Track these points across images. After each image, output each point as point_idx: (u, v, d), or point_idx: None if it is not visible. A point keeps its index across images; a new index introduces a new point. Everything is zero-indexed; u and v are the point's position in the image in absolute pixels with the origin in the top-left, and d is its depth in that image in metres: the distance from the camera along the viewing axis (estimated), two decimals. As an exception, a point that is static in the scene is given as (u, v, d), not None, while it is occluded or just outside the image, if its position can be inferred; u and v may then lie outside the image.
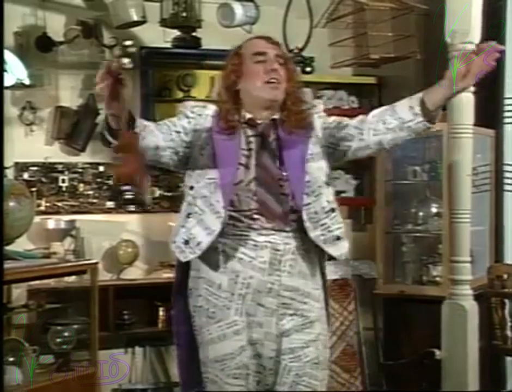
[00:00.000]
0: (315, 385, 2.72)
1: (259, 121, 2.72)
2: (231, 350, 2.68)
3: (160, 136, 2.69)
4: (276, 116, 2.73)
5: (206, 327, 2.72)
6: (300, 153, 2.68)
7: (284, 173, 2.65)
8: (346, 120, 2.76)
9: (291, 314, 2.68)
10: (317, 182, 2.68)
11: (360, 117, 2.74)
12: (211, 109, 2.78)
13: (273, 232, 2.64)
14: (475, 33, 3.83)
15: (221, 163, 2.65)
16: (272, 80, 2.68)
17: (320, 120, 2.78)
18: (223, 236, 2.65)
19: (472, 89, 3.85)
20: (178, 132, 2.72)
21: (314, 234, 2.65)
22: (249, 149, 2.68)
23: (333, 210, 2.70)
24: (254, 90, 2.70)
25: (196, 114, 2.76)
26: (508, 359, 4.80)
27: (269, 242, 2.64)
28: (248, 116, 2.72)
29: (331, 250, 2.69)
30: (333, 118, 2.81)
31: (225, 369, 2.69)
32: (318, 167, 2.69)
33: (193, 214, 2.67)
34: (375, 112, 2.74)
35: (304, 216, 2.64)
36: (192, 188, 2.70)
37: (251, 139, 2.70)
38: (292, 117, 2.72)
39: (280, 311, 2.66)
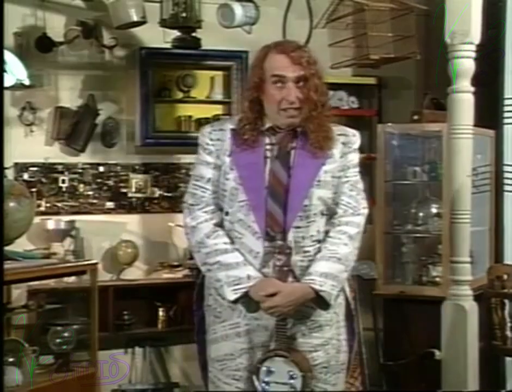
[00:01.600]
0: (325, 389, 2.72)
1: (279, 130, 2.70)
2: (231, 351, 2.68)
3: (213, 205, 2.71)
4: (297, 128, 2.69)
5: (212, 326, 2.75)
6: (310, 175, 2.66)
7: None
8: (344, 201, 2.71)
9: (298, 318, 2.67)
10: (314, 210, 2.66)
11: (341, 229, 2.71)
12: (229, 126, 2.74)
13: (274, 240, 2.63)
14: (475, 33, 3.82)
15: (249, 183, 2.65)
16: (288, 109, 2.64)
17: (341, 148, 2.72)
18: (232, 239, 2.68)
19: (472, 89, 3.86)
20: (209, 180, 2.72)
21: (293, 258, 2.63)
22: (265, 157, 2.68)
23: (319, 241, 2.68)
24: (271, 113, 2.68)
25: (215, 140, 2.73)
26: (508, 359, 4.80)
27: (268, 247, 2.63)
28: (269, 124, 2.70)
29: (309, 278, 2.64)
30: (351, 176, 2.74)
31: (224, 370, 2.70)
32: (319, 195, 2.67)
33: (234, 239, 2.67)
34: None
35: (290, 238, 2.63)
36: (227, 213, 2.70)
37: (269, 146, 2.69)
38: (314, 134, 2.67)
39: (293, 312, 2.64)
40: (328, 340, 2.71)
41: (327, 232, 2.70)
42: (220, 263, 2.63)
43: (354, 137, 2.78)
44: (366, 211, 2.77)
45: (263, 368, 2.62)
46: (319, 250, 2.67)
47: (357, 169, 2.77)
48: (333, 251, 2.65)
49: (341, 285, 2.68)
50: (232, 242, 2.67)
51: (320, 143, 2.67)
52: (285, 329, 2.62)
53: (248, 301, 2.63)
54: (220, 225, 2.71)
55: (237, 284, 2.60)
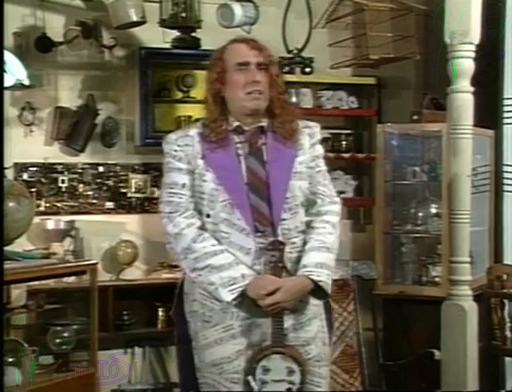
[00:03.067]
0: (318, 383, 2.75)
1: (246, 128, 2.74)
2: (227, 354, 2.67)
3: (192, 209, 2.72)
4: (264, 124, 2.75)
5: (201, 332, 2.72)
6: (286, 167, 2.71)
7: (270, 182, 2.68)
8: (320, 190, 2.80)
9: (288, 314, 2.68)
10: (295, 201, 2.72)
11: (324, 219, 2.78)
12: (194, 129, 2.77)
13: (263, 235, 2.66)
14: (475, 33, 3.82)
15: (228, 182, 2.67)
16: (253, 91, 2.69)
17: (309, 139, 2.81)
18: (218, 240, 2.67)
19: (472, 89, 3.86)
20: (183, 185, 2.72)
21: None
22: (238, 155, 2.71)
23: (302, 232, 2.74)
24: (237, 100, 2.72)
25: (183, 146, 2.74)
26: (507, 359, 4.80)
27: (261, 244, 2.65)
28: (236, 123, 2.74)
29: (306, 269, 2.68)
30: (322, 166, 2.84)
31: (222, 374, 2.69)
32: (298, 186, 2.72)
33: (221, 240, 2.67)
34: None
35: (278, 231, 2.66)
36: (208, 215, 2.70)
37: (239, 145, 2.72)
38: (278, 124, 2.74)
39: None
40: (316, 332, 2.76)
41: (307, 223, 2.76)
42: (211, 266, 2.62)
43: (317, 128, 2.87)
44: (339, 199, 2.86)
45: (260, 368, 2.61)
46: (304, 241, 2.72)
47: (323, 160, 2.87)
48: (321, 241, 2.71)
49: (332, 273, 2.72)
50: (219, 243, 2.67)
51: (288, 132, 2.73)
52: (281, 325, 2.63)
53: (241, 300, 2.63)
54: (202, 228, 2.70)
55: (233, 284, 2.60)
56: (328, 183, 2.84)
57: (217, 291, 2.62)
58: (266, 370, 2.63)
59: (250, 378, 2.62)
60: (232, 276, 2.61)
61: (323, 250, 2.69)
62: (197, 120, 4.81)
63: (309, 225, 2.76)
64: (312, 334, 2.74)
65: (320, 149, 2.85)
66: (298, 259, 2.70)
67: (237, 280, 2.61)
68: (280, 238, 2.65)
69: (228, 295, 2.60)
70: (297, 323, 2.71)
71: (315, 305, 2.76)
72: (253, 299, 2.63)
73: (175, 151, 2.74)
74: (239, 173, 2.69)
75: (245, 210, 2.64)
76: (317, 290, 2.67)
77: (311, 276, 2.63)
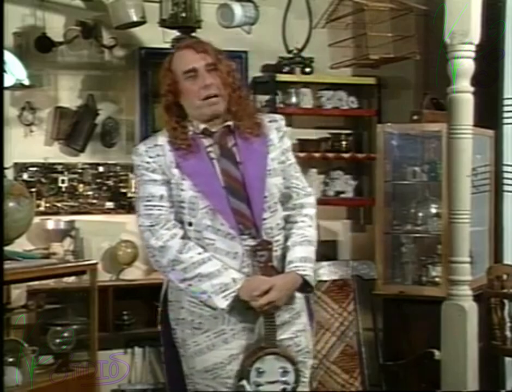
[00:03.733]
0: (306, 374, 2.76)
1: (214, 130, 2.69)
2: (220, 360, 2.65)
3: (173, 219, 2.68)
4: (230, 123, 2.70)
5: (191, 339, 2.69)
6: (260, 166, 2.68)
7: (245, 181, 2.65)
8: (293, 183, 2.78)
9: (280, 311, 2.67)
10: (274, 198, 2.70)
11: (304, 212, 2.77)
12: (162, 138, 2.70)
13: (248, 237, 2.63)
14: (475, 33, 3.82)
15: (206, 188, 2.63)
16: (208, 96, 2.64)
17: (276, 134, 2.76)
18: (203, 247, 2.64)
19: (472, 89, 3.86)
20: (161, 197, 2.67)
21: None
22: (211, 159, 2.66)
23: (283, 228, 2.73)
24: (194, 108, 2.67)
25: (155, 157, 2.68)
26: (507, 359, 4.80)
27: (248, 246, 2.62)
28: (202, 126, 2.68)
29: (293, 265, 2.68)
30: (292, 159, 2.80)
31: (216, 379, 2.66)
32: (274, 183, 2.70)
33: (206, 247, 2.64)
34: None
35: (262, 231, 2.64)
36: (190, 224, 2.65)
37: (210, 148, 2.68)
38: (243, 122, 2.69)
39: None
40: (305, 324, 2.77)
41: (285, 218, 2.75)
42: (201, 275, 2.59)
43: (282, 121, 2.82)
44: (312, 190, 2.85)
45: (253, 371, 2.59)
46: (286, 237, 2.72)
47: (292, 152, 2.84)
48: (302, 234, 2.71)
49: (314, 265, 2.73)
50: (205, 250, 2.63)
51: (252, 127, 2.70)
52: (273, 325, 2.62)
53: (235, 305, 2.60)
54: (185, 237, 2.66)
55: (225, 290, 2.58)
56: (300, 175, 2.82)
57: (210, 299, 2.59)
58: (260, 372, 2.60)
59: (244, 382, 2.59)
60: (223, 282, 2.58)
61: (305, 243, 2.70)
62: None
63: (287, 220, 2.75)
64: (302, 326, 2.75)
65: (287, 142, 2.81)
66: (283, 257, 2.69)
67: (228, 285, 2.58)
68: (266, 238, 2.63)
69: (222, 302, 2.58)
70: (289, 317, 2.71)
71: (301, 299, 2.77)
72: (244, 302, 2.60)
73: (147, 162, 2.68)
74: (216, 178, 2.64)
75: (227, 215, 2.61)
76: (303, 284, 2.68)
77: (298, 272, 2.65)
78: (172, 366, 2.81)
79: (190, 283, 2.62)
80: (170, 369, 2.86)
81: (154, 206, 2.68)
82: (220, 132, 2.69)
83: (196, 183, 2.63)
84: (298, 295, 2.74)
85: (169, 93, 2.69)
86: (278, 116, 2.85)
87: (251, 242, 2.62)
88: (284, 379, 2.62)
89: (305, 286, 2.69)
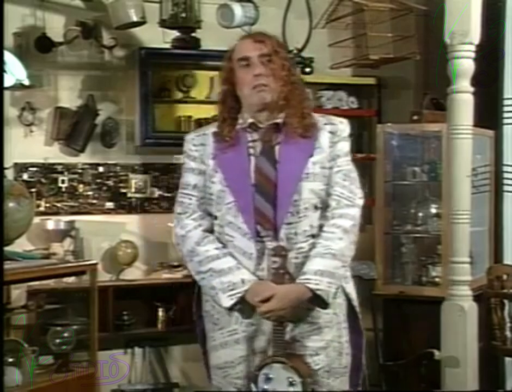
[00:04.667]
0: None
1: (261, 125, 2.65)
2: (231, 359, 2.64)
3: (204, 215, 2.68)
4: (279, 120, 2.64)
5: (211, 333, 2.70)
6: (297, 168, 2.59)
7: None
8: (337, 191, 2.64)
9: (296, 321, 2.60)
10: (305, 204, 2.59)
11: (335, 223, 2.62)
12: (211, 129, 2.71)
13: (267, 239, 2.58)
14: (475, 33, 3.82)
15: (235, 184, 2.60)
16: (257, 85, 2.60)
17: (329, 137, 2.66)
18: (223, 243, 2.63)
19: (472, 89, 3.86)
20: (194, 186, 2.68)
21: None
22: (249, 155, 2.63)
23: (313, 236, 2.60)
24: (245, 97, 2.65)
25: (198, 145, 2.69)
26: (507, 359, 4.80)
27: (266, 249, 2.58)
28: (250, 120, 2.65)
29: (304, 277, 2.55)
30: (343, 165, 2.67)
31: (226, 378, 2.66)
32: (310, 188, 2.60)
33: (226, 243, 2.62)
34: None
35: (281, 234, 2.57)
36: (216, 217, 2.65)
37: (252, 144, 2.64)
38: (292, 119, 2.63)
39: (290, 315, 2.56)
40: (329, 342, 2.64)
41: (321, 226, 2.61)
42: (213, 270, 2.58)
43: (342, 124, 2.70)
44: (361, 201, 2.68)
45: (262, 375, 2.55)
46: (313, 246, 2.59)
47: (349, 158, 2.70)
48: (327, 246, 2.56)
49: (339, 281, 2.59)
50: (224, 246, 2.62)
51: (301, 127, 2.62)
52: (282, 334, 2.54)
53: (243, 306, 2.57)
54: (210, 230, 2.66)
55: (232, 289, 2.55)
56: (350, 183, 2.65)
57: (217, 296, 2.58)
58: (268, 379, 2.55)
59: (252, 385, 2.57)
60: (231, 281, 2.55)
61: (327, 256, 2.55)
62: (197, 120, 4.89)
63: (320, 228, 2.61)
64: (322, 343, 2.62)
65: (343, 148, 2.67)
66: (304, 265, 2.58)
67: (236, 285, 2.55)
68: (282, 244, 2.55)
69: (227, 301, 2.55)
70: (305, 332, 2.61)
71: (330, 313, 2.64)
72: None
73: (190, 150, 2.70)
74: (247, 174, 2.59)
75: (248, 213, 2.56)
76: (317, 299, 2.54)
77: (308, 284, 2.51)
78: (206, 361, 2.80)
79: (204, 277, 2.61)
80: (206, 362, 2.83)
81: (187, 194, 2.69)
82: (266, 128, 2.65)
83: (226, 177, 2.61)
84: (324, 310, 2.60)
85: (226, 81, 2.69)
86: (338, 120, 2.72)
87: (266, 245, 2.57)
88: (291, 389, 2.54)
89: (318, 301, 2.55)
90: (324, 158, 2.63)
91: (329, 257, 2.55)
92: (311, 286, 2.52)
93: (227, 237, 2.62)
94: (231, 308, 2.58)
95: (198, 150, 2.69)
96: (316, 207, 2.62)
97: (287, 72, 2.64)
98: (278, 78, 2.62)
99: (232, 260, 2.59)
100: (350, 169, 2.70)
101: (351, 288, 2.76)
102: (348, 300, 2.74)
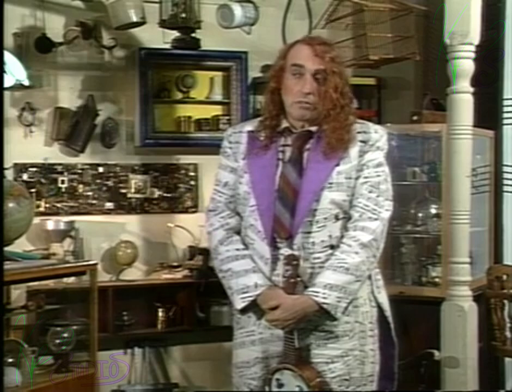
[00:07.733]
0: None
1: (294, 130, 2.61)
2: (247, 359, 2.64)
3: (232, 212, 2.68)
4: (313, 128, 2.58)
5: (234, 331, 2.71)
6: (321, 177, 2.53)
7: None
8: (361, 203, 2.55)
9: (311, 330, 2.57)
10: (324, 214, 2.53)
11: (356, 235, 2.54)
12: (249, 126, 2.67)
13: (284, 246, 2.56)
14: (475, 34, 3.83)
15: (259, 187, 2.57)
16: (302, 102, 2.54)
17: (358, 146, 2.57)
18: (245, 245, 2.63)
19: (472, 89, 3.86)
20: (225, 184, 2.67)
21: (302, 264, 2.52)
22: (278, 159, 2.59)
23: (332, 247, 2.55)
24: (286, 104, 2.59)
25: (234, 143, 2.67)
26: (507, 359, 4.80)
27: (282, 255, 2.55)
28: (285, 125, 2.61)
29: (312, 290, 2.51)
30: (371, 176, 2.57)
31: (242, 377, 2.67)
32: (332, 198, 2.53)
33: (248, 245, 2.62)
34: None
35: (297, 243, 2.53)
36: (242, 218, 2.66)
37: (283, 148, 2.60)
38: (333, 132, 2.54)
39: (301, 325, 2.54)
40: (347, 351, 2.58)
41: (342, 237, 2.55)
42: (231, 271, 2.58)
43: (376, 134, 2.61)
44: (387, 214, 2.57)
45: (274, 380, 2.56)
46: (330, 257, 2.54)
47: (380, 169, 2.59)
48: (342, 260, 2.50)
49: (351, 295, 2.52)
50: (247, 247, 2.62)
51: (333, 145, 2.54)
52: (292, 342, 2.52)
53: (255, 309, 2.58)
54: (238, 229, 2.66)
55: (245, 292, 2.55)
56: (376, 195, 2.55)
57: (232, 296, 2.59)
58: (280, 384, 2.55)
59: (266, 387, 2.58)
60: (246, 284, 2.55)
61: (340, 270, 2.49)
62: (197, 120, 4.89)
63: (339, 240, 2.55)
64: (339, 352, 2.57)
65: (374, 158, 2.57)
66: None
67: (249, 288, 2.54)
68: (296, 252, 2.51)
69: (239, 303, 2.57)
70: (320, 340, 2.57)
71: (352, 322, 2.59)
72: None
73: (225, 146, 2.69)
74: (272, 180, 2.55)
75: (267, 219, 2.53)
76: (324, 312, 2.50)
77: (315, 298, 2.48)
78: None
79: (224, 276, 2.62)
80: None
81: (218, 191, 2.69)
82: (299, 134, 2.59)
83: (253, 180, 2.58)
84: (344, 318, 2.54)
85: (273, 78, 2.61)
86: (373, 128, 2.63)
87: (279, 252, 2.55)
88: None
89: (326, 314, 2.51)
90: (351, 168, 2.56)
91: (341, 271, 2.50)
92: (318, 299, 2.48)
93: (248, 239, 2.62)
94: (243, 310, 2.59)
95: (232, 147, 2.67)
96: (337, 218, 2.55)
97: (339, 95, 2.57)
98: (328, 101, 2.54)
99: (250, 263, 2.59)
100: (379, 181, 2.58)
101: (383, 298, 2.71)
102: (380, 309, 2.69)
